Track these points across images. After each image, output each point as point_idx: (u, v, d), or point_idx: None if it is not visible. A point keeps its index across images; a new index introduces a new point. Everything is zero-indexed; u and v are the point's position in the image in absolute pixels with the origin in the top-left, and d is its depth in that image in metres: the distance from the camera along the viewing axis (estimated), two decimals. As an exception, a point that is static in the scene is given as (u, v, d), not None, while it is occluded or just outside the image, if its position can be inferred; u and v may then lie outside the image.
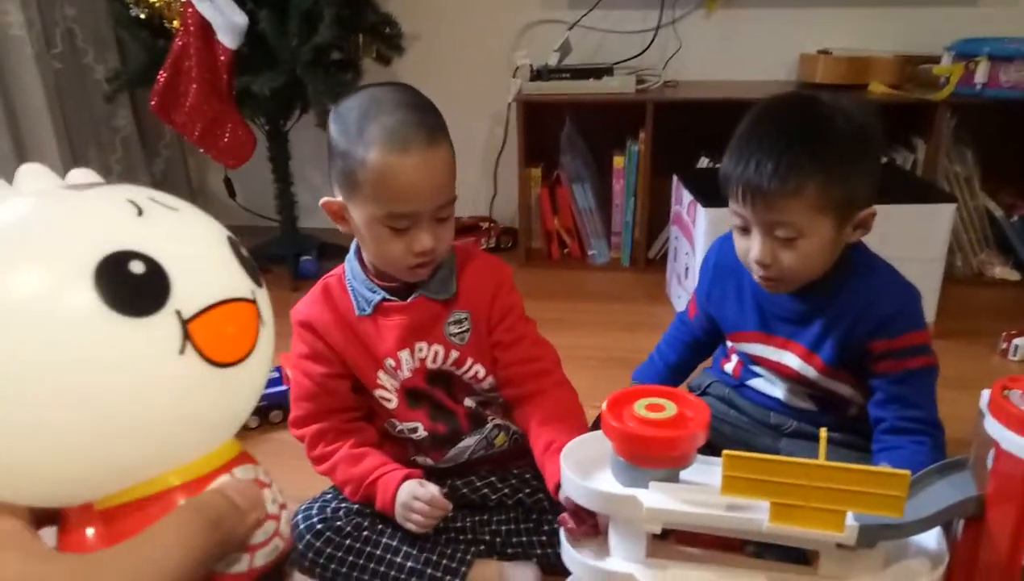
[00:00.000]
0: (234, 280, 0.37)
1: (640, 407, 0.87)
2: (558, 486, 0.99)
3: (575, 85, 2.21)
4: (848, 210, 1.02)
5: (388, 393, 1.09)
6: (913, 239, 1.75)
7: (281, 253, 2.36)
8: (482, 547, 1.13)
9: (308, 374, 1.08)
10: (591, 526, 0.93)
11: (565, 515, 0.93)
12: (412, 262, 1.01)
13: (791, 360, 1.14)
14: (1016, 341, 1.75)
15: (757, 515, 0.81)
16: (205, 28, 1.87)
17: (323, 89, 1.99)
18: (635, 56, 2.36)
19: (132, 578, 0.32)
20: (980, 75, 1.96)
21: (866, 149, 1.03)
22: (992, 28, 2.11)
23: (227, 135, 2.02)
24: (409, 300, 1.06)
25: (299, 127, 2.35)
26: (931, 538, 0.87)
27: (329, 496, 1.12)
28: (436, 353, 1.08)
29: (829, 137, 1.00)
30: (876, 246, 1.14)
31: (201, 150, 2.07)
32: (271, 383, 1.59)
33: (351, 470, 1.07)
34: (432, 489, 1.04)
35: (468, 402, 1.13)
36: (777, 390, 1.20)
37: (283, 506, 0.40)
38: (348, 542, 1.07)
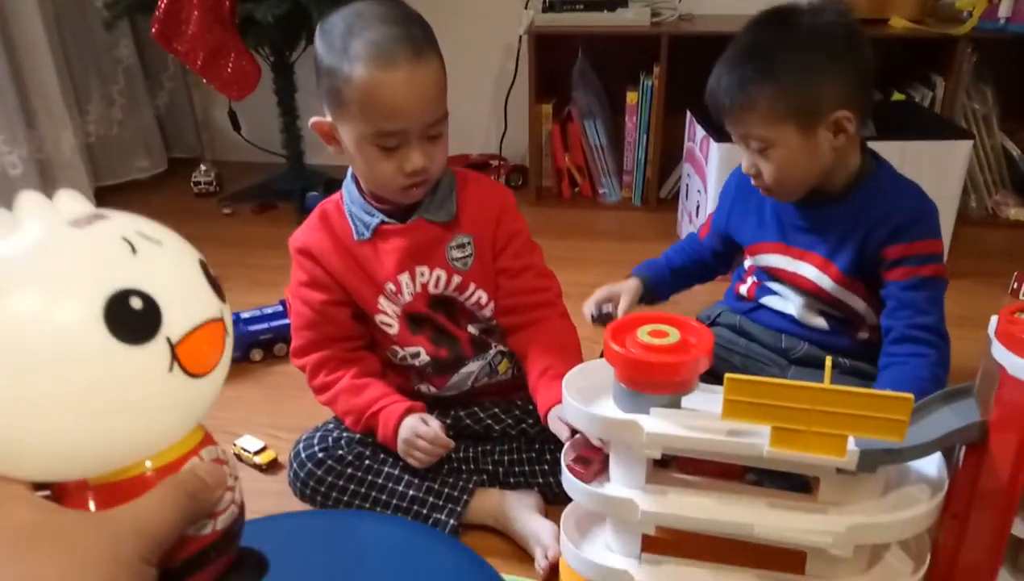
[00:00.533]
0: (208, 303, 0.44)
1: (643, 333, 0.86)
2: (548, 413, 1.00)
3: (588, 17, 2.16)
4: (812, 116, 1.05)
5: (389, 318, 1.09)
6: (928, 176, 1.66)
7: (287, 188, 2.34)
8: (484, 477, 1.13)
9: (308, 302, 1.07)
10: (597, 471, 0.93)
11: (572, 464, 0.93)
12: (404, 182, 0.99)
13: (808, 270, 1.16)
14: (1029, 281, 1.72)
15: (758, 440, 0.80)
16: (207, -47, 1.83)
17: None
18: (650, -12, 2.29)
19: (133, 526, 0.40)
20: (1004, 8, 1.90)
21: (830, 53, 1.05)
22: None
23: (231, 65, 1.99)
24: (408, 222, 1.05)
25: (305, 59, 2.30)
26: (932, 465, 0.86)
27: (331, 426, 1.12)
28: (438, 278, 1.07)
29: (780, 49, 1.04)
30: (890, 183, 1.14)
31: (204, 80, 2.04)
32: (275, 316, 1.59)
33: (353, 400, 1.07)
34: (435, 426, 1.04)
35: (471, 329, 1.12)
36: (791, 306, 1.20)
37: (236, 477, 0.48)
38: (349, 471, 1.08)
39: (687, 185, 2.04)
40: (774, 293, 1.23)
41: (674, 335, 0.85)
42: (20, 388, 0.38)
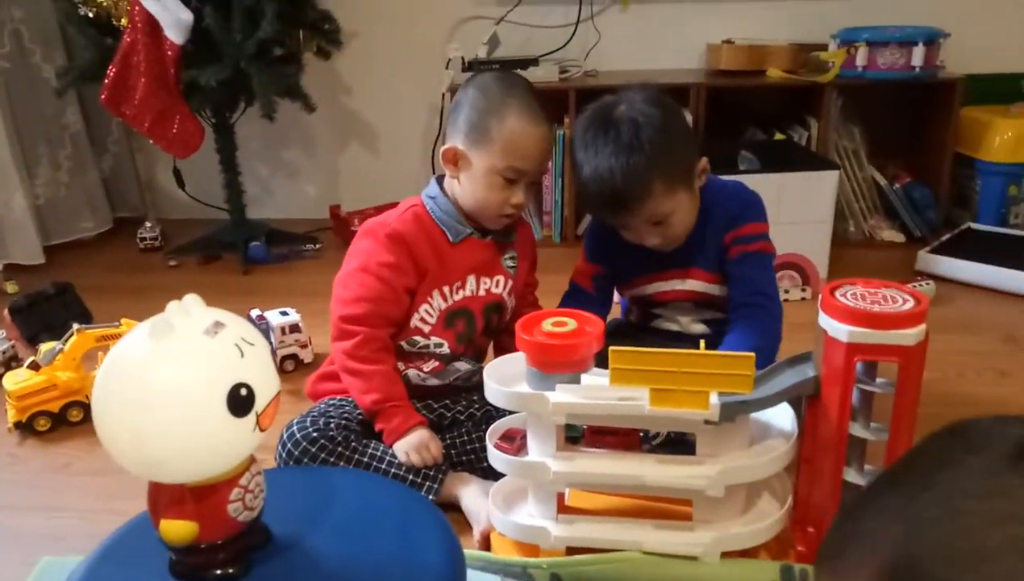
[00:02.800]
0: (275, 383, 0.69)
1: (547, 324, 1.05)
2: None
3: (503, 75, 2.38)
4: (690, 174, 1.27)
5: (432, 312, 1.33)
6: (804, 203, 1.96)
7: (230, 240, 2.48)
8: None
9: (387, 281, 1.28)
10: (519, 447, 1.11)
11: (499, 442, 1.11)
12: (506, 211, 1.30)
13: (689, 284, 1.36)
14: (894, 290, 1.97)
15: (640, 402, 0.99)
16: (153, 24, 1.99)
17: (267, 81, 2.13)
18: (558, 48, 2.55)
19: None
20: (860, 59, 2.20)
21: (675, 125, 1.26)
22: (871, 17, 2.36)
23: (176, 126, 2.13)
24: (486, 239, 1.35)
25: (244, 121, 2.47)
26: (786, 420, 1.06)
27: (316, 413, 1.28)
28: (498, 281, 1.38)
29: (645, 134, 1.21)
30: (772, 210, 1.36)
31: (151, 141, 2.18)
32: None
33: (387, 386, 1.26)
34: (436, 447, 1.25)
35: (485, 338, 1.40)
36: (673, 324, 1.39)
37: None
38: (340, 449, 1.23)
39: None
40: (658, 316, 1.43)
41: (572, 324, 1.05)
42: (169, 433, 0.62)
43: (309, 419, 1.26)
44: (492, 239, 1.36)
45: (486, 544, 1.17)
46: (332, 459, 1.22)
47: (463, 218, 1.33)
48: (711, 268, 1.33)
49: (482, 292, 1.36)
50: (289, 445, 1.23)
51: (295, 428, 1.25)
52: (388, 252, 1.28)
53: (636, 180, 1.21)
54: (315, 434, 1.23)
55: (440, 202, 1.33)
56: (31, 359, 1.57)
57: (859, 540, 0.50)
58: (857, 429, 1.00)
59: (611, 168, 1.22)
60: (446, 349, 1.35)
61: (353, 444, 1.24)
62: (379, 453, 1.25)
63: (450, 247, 1.32)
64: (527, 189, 1.30)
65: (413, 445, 1.24)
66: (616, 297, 1.49)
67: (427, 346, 1.34)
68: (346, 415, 1.28)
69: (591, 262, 1.43)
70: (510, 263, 1.39)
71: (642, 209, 1.24)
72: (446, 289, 1.33)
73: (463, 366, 1.38)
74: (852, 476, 1.02)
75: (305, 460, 1.22)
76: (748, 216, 1.32)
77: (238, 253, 2.43)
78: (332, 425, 1.25)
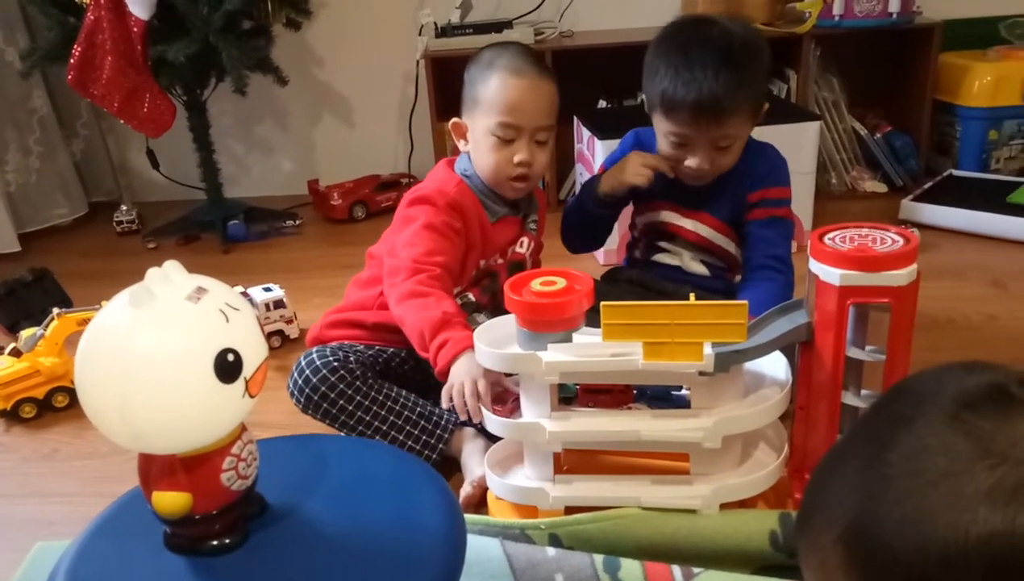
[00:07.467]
0: (263, 349, 0.66)
1: (536, 284, 1.04)
2: None
3: (477, 40, 2.34)
4: (760, 110, 1.32)
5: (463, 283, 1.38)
6: (785, 156, 1.91)
7: (209, 219, 2.44)
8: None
9: (453, 240, 1.30)
10: (512, 410, 1.10)
11: (492, 406, 1.10)
12: (513, 172, 1.30)
13: (698, 227, 1.39)
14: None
15: (633, 356, 0.98)
16: (116, 0, 1.94)
17: (237, 55, 2.08)
18: (532, 10, 2.51)
19: None
20: (837, 7, 2.18)
21: (762, 58, 1.29)
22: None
23: (146, 105, 2.09)
24: (518, 215, 1.41)
25: (216, 98, 2.43)
26: (780, 370, 1.06)
27: (334, 346, 1.27)
28: (522, 242, 1.44)
29: (748, 58, 1.25)
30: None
31: (122, 121, 2.14)
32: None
33: (454, 308, 1.21)
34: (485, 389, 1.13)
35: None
36: (676, 259, 1.42)
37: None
38: (358, 383, 1.22)
39: (580, 183, 2.24)
40: (663, 250, 1.44)
41: (561, 283, 1.03)
42: (156, 403, 0.59)
43: (328, 349, 1.25)
44: (521, 214, 1.41)
45: (480, 494, 1.17)
46: (350, 391, 1.22)
47: (496, 197, 1.36)
48: (722, 217, 1.35)
49: (509, 256, 1.42)
50: (308, 371, 1.22)
51: (315, 355, 1.24)
52: (448, 217, 1.30)
53: (733, 94, 1.22)
54: (335, 363, 1.22)
55: (475, 181, 1.36)
56: (11, 346, 1.54)
57: (821, 508, 0.52)
58: (849, 397, 1.00)
59: (716, 74, 1.22)
60: (471, 298, 1.39)
61: (370, 380, 1.24)
62: (393, 394, 1.25)
63: (490, 226, 1.36)
64: (532, 147, 1.30)
65: (464, 372, 1.13)
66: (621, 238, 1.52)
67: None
68: (359, 353, 1.28)
69: None
70: (532, 226, 1.46)
71: (725, 123, 1.25)
72: (482, 263, 1.38)
73: (482, 319, 1.39)
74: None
75: (323, 389, 1.21)
76: (776, 179, 1.34)
77: (217, 233, 2.40)
78: (351, 359, 1.25)
